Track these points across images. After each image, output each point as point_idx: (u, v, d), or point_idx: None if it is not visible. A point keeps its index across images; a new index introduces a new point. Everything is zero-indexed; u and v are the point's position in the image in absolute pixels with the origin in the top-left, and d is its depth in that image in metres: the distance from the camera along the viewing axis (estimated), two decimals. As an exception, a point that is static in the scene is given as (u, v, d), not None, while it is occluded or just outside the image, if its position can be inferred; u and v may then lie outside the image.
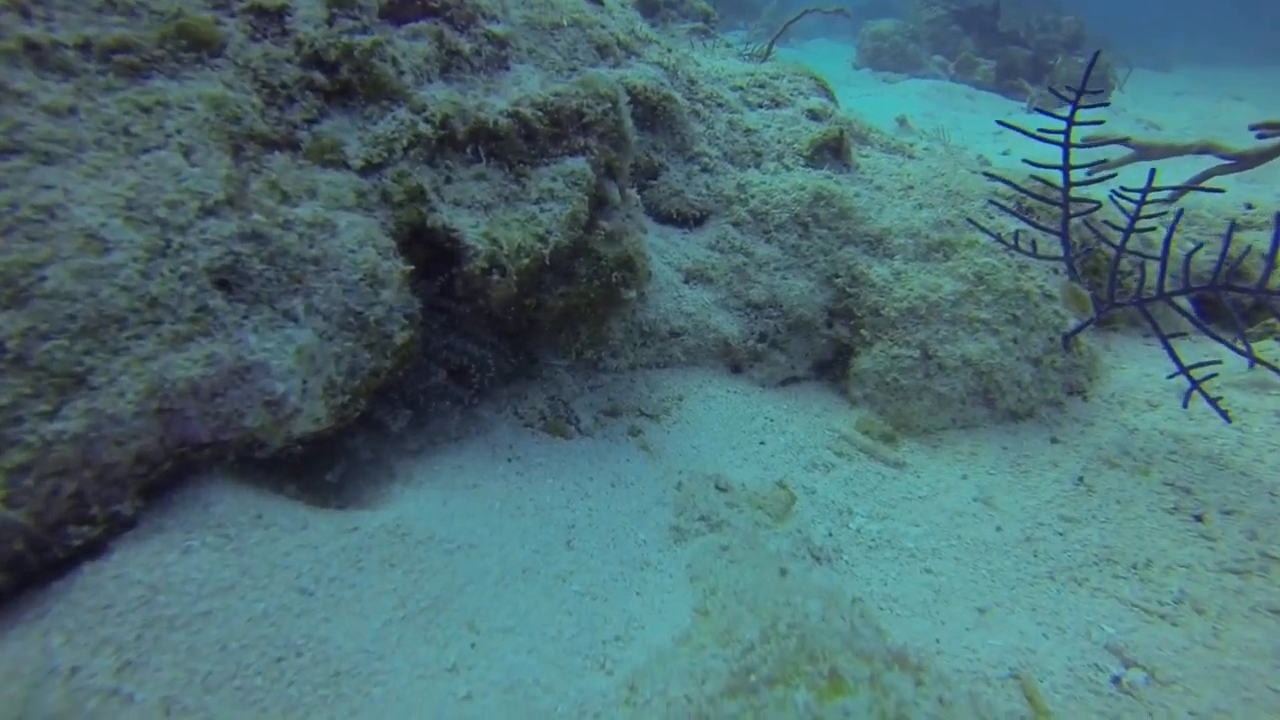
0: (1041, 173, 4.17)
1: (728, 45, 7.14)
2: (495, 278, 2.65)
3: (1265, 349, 4.23)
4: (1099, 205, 3.61)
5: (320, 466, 2.60)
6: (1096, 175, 3.76)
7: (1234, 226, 3.40)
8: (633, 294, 3.12)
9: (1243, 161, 5.66)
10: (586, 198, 2.96)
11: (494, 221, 2.73)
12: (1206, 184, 4.92)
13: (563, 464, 2.92)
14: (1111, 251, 4.20)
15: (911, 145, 5.77)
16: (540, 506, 2.64)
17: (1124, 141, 4.48)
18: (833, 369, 4.14)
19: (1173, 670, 2.48)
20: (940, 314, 3.70)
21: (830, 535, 3.17)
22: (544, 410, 3.13)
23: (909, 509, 3.35)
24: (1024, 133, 3.71)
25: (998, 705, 2.36)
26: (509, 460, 2.80)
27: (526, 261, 2.75)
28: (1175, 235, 3.85)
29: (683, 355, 3.83)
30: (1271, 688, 2.41)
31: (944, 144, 4.93)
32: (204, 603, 1.90)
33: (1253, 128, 5.34)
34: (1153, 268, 4.24)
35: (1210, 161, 5.94)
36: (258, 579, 2.00)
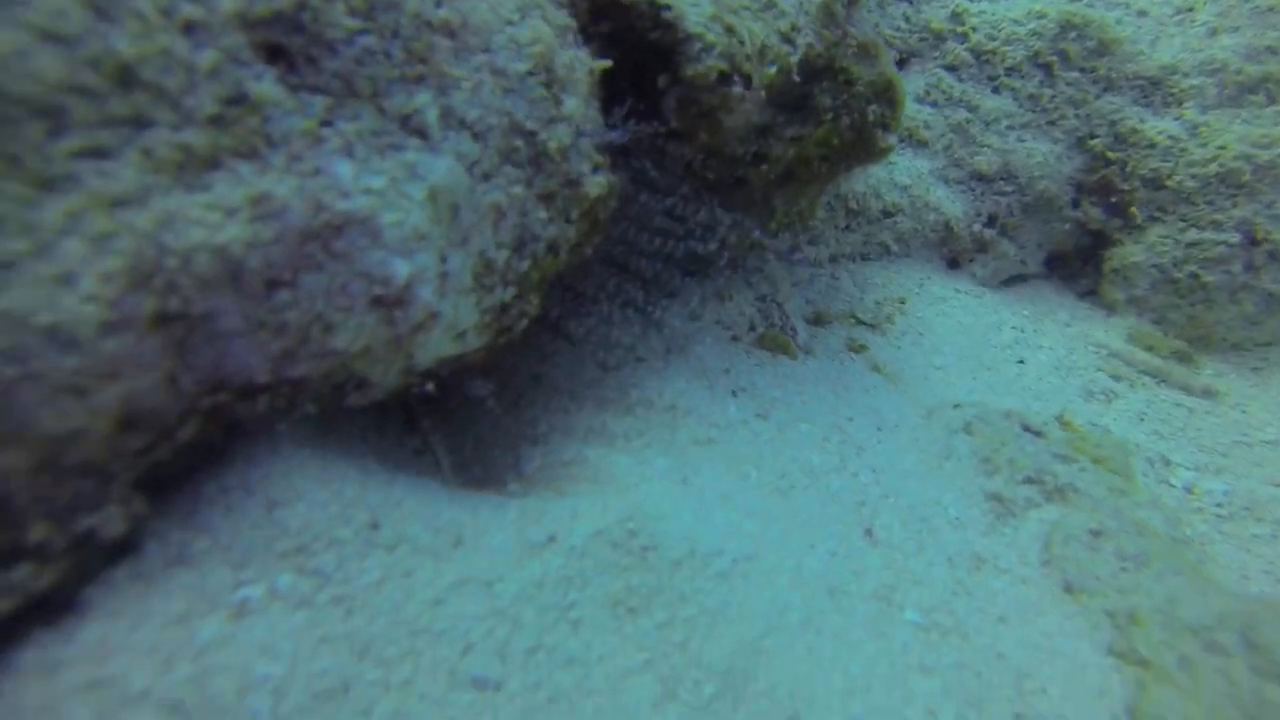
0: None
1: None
2: (736, 91, 1.43)
3: None
4: None
5: (450, 404, 1.47)
6: None
7: None
8: (893, 140, 1.90)
9: None
10: (842, -23, 1.71)
11: (720, 3, 1.50)
12: None
13: (803, 398, 1.77)
14: None
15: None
16: (810, 471, 1.50)
17: None
18: (1067, 264, 2.92)
19: None
20: (1277, 179, 2.43)
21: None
22: (754, 317, 1.97)
23: (1254, 459, 2.18)
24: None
25: None
26: (734, 395, 1.65)
27: (771, 72, 1.53)
28: None
29: (894, 243, 2.62)
30: None
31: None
32: (282, 735, 0.80)
33: None
34: None
35: None
36: (391, 665, 0.89)
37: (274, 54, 0.96)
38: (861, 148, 1.87)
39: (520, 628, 0.97)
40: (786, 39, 1.58)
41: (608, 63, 1.30)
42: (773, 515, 1.32)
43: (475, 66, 1.13)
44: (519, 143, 1.16)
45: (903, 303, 2.48)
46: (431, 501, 1.13)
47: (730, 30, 1.45)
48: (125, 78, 0.84)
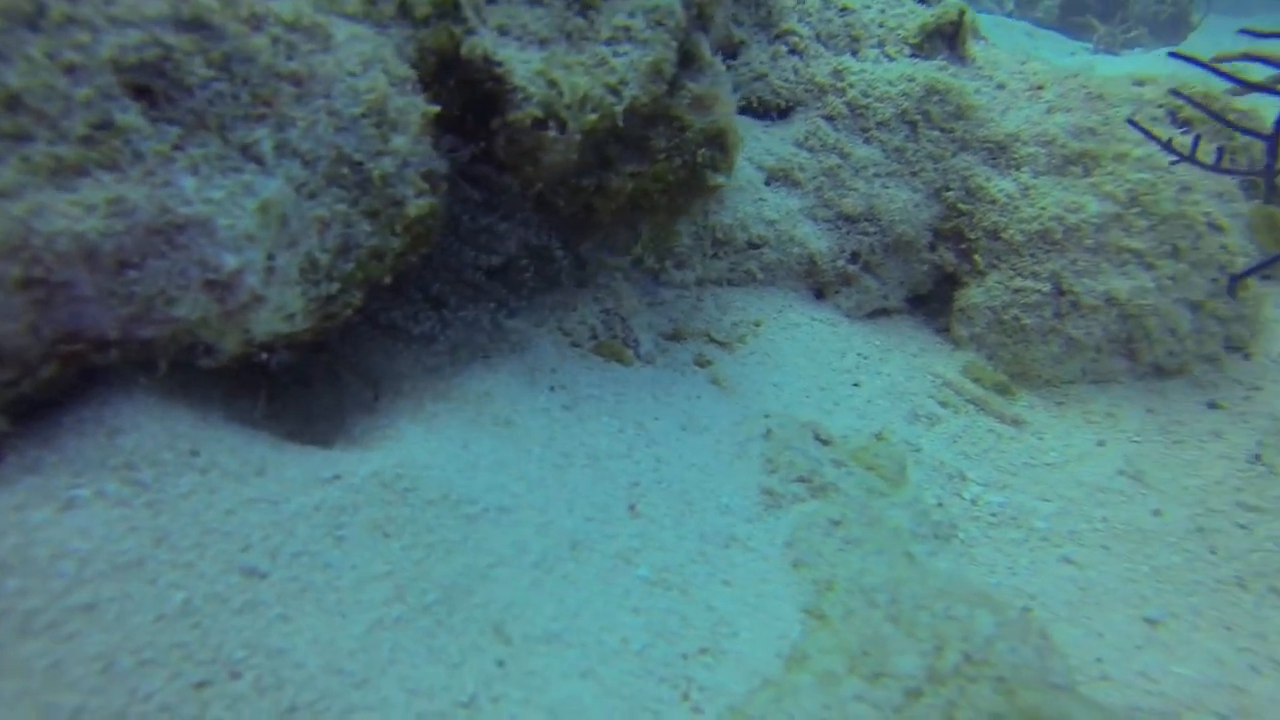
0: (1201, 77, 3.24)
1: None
2: (550, 134, 1.80)
3: None
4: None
5: (308, 380, 1.82)
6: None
7: None
8: (721, 179, 2.28)
9: None
10: (673, 44, 2.09)
11: (552, 60, 1.87)
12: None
13: (620, 397, 2.13)
14: None
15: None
16: (594, 454, 1.86)
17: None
18: (929, 303, 3.31)
19: None
20: (1080, 240, 2.85)
21: (941, 505, 2.41)
22: (596, 327, 2.33)
23: (1034, 478, 2.58)
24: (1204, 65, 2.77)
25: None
26: (552, 389, 2.01)
27: (592, 118, 1.90)
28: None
29: (760, 272, 3.00)
30: None
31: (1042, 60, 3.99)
32: (86, 590, 1.14)
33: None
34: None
35: None
36: (180, 551, 1.24)
37: (140, 92, 1.31)
38: (694, 184, 2.25)
39: (293, 537, 1.32)
40: (613, 91, 1.95)
41: (436, 108, 1.67)
42: (542, 483, 1.69)
43: (315, 109, 1.49)
44: (346, 170, 1.52)
45: (758, 325, 2.85)
46: (251, 443, 1.48)
47: (553, 83, 1.82)
48: (12, 103, 1.19)
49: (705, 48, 2.30)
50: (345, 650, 1.23)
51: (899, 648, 1.41)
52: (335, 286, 1.57)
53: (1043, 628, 1.60)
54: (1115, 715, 1.36)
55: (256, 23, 1.46)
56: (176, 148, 1.33)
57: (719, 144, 2.25)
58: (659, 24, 2.07)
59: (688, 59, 2.26)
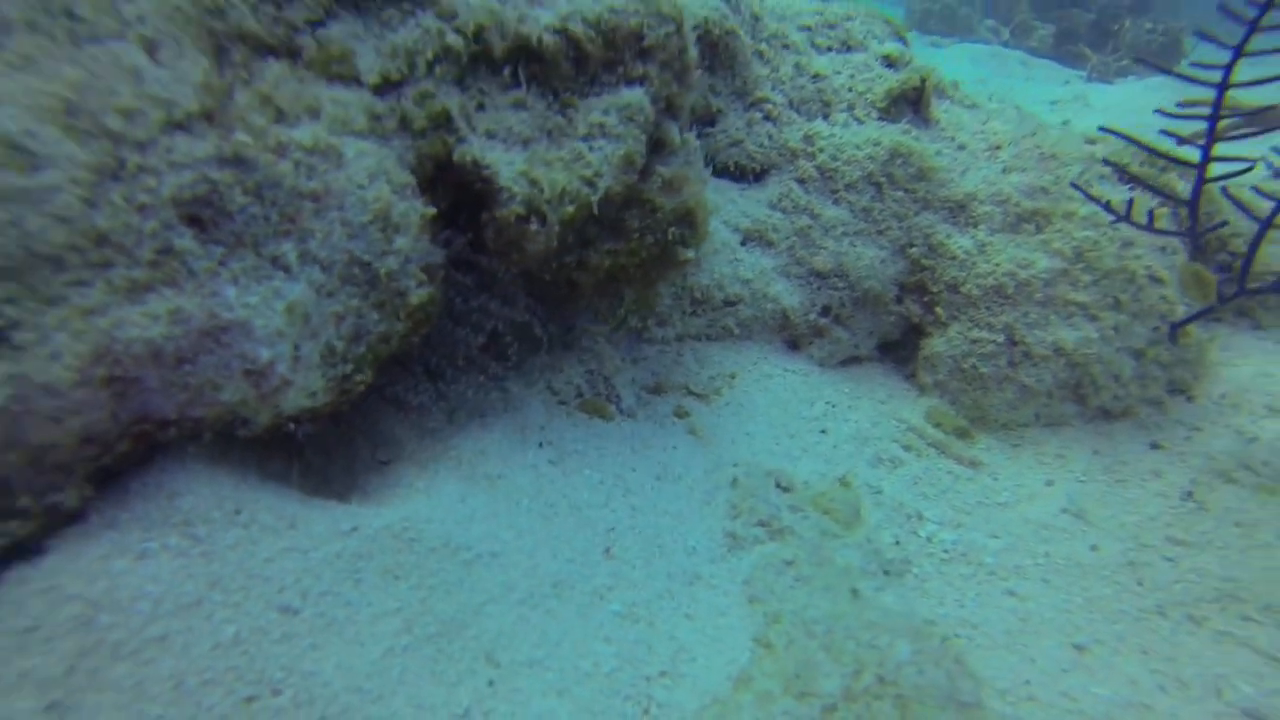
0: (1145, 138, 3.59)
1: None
2: (533, 227, 2.16)
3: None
4: (1252, 166, 2.98)
5: (326, 445, 2.16)
6: (1241, 132, 3.18)
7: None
8: (691, 254, 2.62)
9: None
10: (643, 136, 2.45)
11: (533, 159, 2.23)
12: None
13: (601, 451, 2.46)
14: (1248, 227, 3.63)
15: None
16: (576, 505, 2.19)
17: None
18: (899, 350, 3.64)
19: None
20: (1031, 294, 3.17)
21: (898, 544, 2.72)
22: (581, 386, 2.67)
23: (986, 517, 2.88)
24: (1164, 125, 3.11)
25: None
26: (540, 446, 2.35)
27: (570, 209, 2.25)
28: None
29: (736, 327, 3.34)
30: None
31: (1016, 108, 4.35)
32: (159, 624, 1.47)
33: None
34: None
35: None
36: (230, 593, 1.57)
37: (193, 220, 1.67)
38: (666, 260, 2.59)
39: (319, 579, 1.65)
40: (589, 183, 2.31)
41: (433, 210, 2.02)
42: (529, 531, 2.01)
43: (330, 220, 1.85)
44: (357, 270, 1.87)
45: (733, 378, 3.18)
46: (283, 500, 1.82)
47: (534, 182, 2.18)
48: (101, 240, 1.55)
49: (675, 133, 2.66)
50: (363, 673, 1.56)
51: (826, 671, 1.72)
52: (349, 367, 1.91)
53: (958, 654, 1.90)
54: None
55: (282, 150, 1.82)
56: (221, 264, 1.68)
57: (688, 222, 2.60)
58: (630, 119, 2.43)
59: (658, 145, 2.62)
